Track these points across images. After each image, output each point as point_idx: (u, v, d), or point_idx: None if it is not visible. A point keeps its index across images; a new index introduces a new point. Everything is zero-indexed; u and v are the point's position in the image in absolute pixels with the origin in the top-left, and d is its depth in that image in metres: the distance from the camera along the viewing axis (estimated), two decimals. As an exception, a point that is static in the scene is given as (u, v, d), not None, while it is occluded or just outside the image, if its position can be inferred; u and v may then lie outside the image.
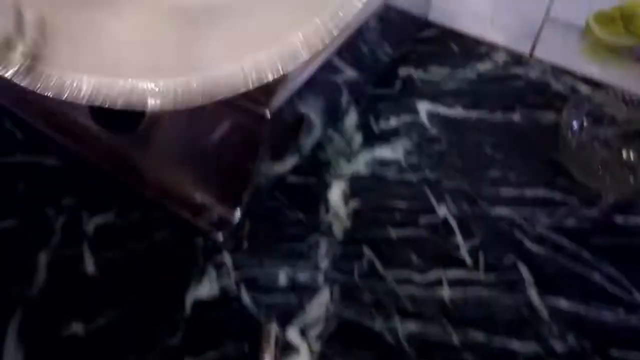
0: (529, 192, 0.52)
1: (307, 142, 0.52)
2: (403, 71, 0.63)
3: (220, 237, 0.45)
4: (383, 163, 0.55)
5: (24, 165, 0.54)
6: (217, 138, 0.44)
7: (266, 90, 0.42)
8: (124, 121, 0.46)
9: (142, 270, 0.46)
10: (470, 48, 0.66)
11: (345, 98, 0.56)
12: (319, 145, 0.55)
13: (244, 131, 0.43)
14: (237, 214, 0.45)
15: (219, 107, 0.43)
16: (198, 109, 0.44)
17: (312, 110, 0.50)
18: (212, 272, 0.46)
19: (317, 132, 0.53)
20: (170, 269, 0.46)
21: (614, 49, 0.58)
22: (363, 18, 0.50)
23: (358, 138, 0.57)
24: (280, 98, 0.42)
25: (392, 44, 0.60)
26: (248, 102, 0.42)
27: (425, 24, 0.68)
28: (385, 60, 0.61)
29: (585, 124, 0.53)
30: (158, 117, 0.46)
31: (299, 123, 0.48)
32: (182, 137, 0.46)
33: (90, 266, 0.46)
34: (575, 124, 0.53)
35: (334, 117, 0.56)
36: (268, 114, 0.41)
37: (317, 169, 0.54)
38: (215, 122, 0.44)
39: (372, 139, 0.57)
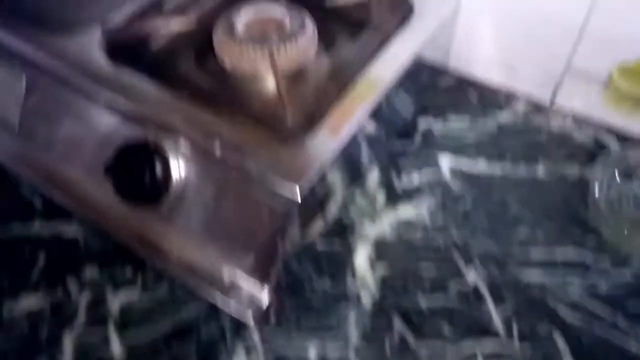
0: (559, 254, 0.51)
1: (333, 208, 0.51)
2: (422, 122, 0.63)
3: (249, 315, 0.44)
4: (408, 224, 0.54)
5: (43, 236, 0.53)
6: (245, 215, 0.44)
7: (296, 171, 0.41)
8: (147, 194, 0.45)
9: (169, 352, 0.45)
10: (488, 96, 0.65)
11: (367, 156, 0.55)
12: (342, 205, 0.54)
13: (273, 211, 0.42)
14: (266, 291, 0.44)
15: (247, 185, 0.42)
16: (225, 185, 0.44)
17: (338, 178, 0.49)
18: (240, 352, 0.45)
19: (341, 195, 0.52)
20: (198, 349, 0.45)
21: (638, 101, 0.57)
22: (396, 76, 0.49)
23: (381, 197, 0.56)
24: (310, 177, 0.41)
25: (414, 96, 0.59)
26: (277, 183, 0.41)
27: (444, 71, 0.67)
28: (407, 114, 0.60)
29: (613, 181, 0.53)
30: (183, 191, 0.45)
31: (326, 195, 0.47)
32: (208, 213, 0.45)
33: (116, 349, 0.45)
34: (603, 181, 0.52)
35: (356, 176, 0.55)
36: (298, 197, 0.40)
37: (341, 231, 0.53)
38: (242, 199, 0.44)
39: (395, 197, 0.56)
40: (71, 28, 0.51)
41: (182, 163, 0.45)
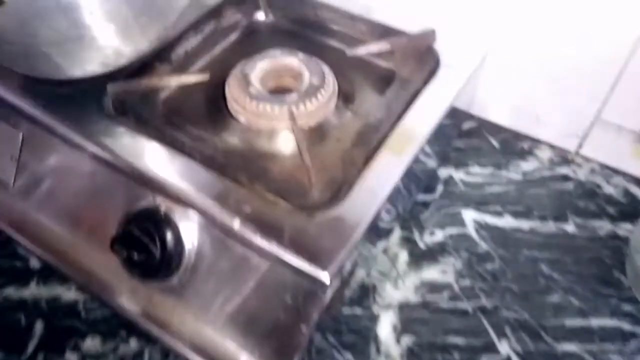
0: (595, 322, 0.48)
1: (357, 276, 0.48)
2: (443, 172, 0.59)
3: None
4: (433, 288, 0.51)
5: (40, 300, 0.49)
6: (266, 296, 0.40)
7: (325, 252, 0.37)
8: (157, 267, 0.42)
9: None
10: (511, 143, 0.62)
11: (389, 214, 0.52)
12: (363, 266, 0.51)
13: (298, 293, 0.38)
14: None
15: (268, 262, 0.39)
16: (244, 261, 0.40)
17: (363, 244, 0.45)
18: None
19: (363, 260, 0.49)
20: None
21: (671, 155, 0.54)
22: (430, 131, 0.45)
23: (403, 256, 0.53)
24: (341, 259, 0.37)
25: (439, 147, 0.55)
26: (303, 265, 0.37)
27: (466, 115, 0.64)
28: (432, 165, 0.56)
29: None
30: (196, 265, 0.42)
31: (354, 265, 0.43)
32: (224, 291, 0.41)
33: None
34: (642, 246, 0.49)
35: (378, 236, 0.52)
36: (328, 281, 0.37)
37: (363, 296, 0.50)
38: (263, 277, 0.40)
39: (418, 256, 0.53)
40: (74, 82, 0.46)
41: (195, 233, 0.42)
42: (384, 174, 0.43)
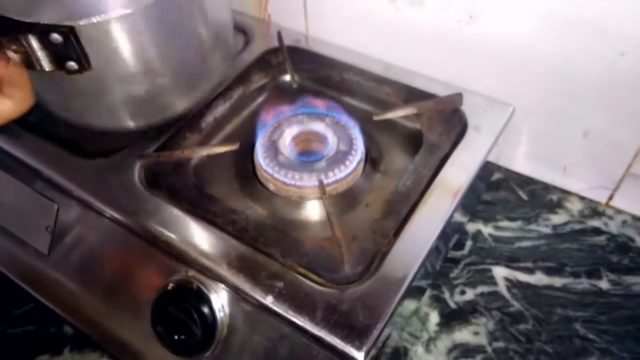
0: (634, 386, 0.47)
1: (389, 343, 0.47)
2: (472, 227, 0.59)
3: None
4: (466, 350, 0.50)
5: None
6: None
7: (359, 329, 0.37)
8: (197, 347, 0.42)
9: None
10: (540, 195, 0.62)
11: (421, 272, 0.51)
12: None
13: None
14: None
15: (302, 339, 0.39)
16: (278, 337, 0.40)
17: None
18: None
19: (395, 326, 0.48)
20: None
21: None
22: (462, 195, 0.45)
23: (434, 316, 0.52)
24: (375, 336, 0.37)
25: (468, 205, 0.55)
26: (337, 342, 0.37)
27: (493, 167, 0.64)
28: (461, 223, 0.56)
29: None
30: (229, 340, 0.42)
31: (388, 337, 0.43)
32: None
33: None
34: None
35: (409, 298, 0.51)
36: (362, 358, 0.37)
37: (393, 361, 0.49)
38: (297, 352, 0.40)
39: (449, 317, 0.52)
40: (107, 156, 0.48)
41: (227, 306, 0.42)
42: (416, 243, 0.43)
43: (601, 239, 0.58)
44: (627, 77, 0.50)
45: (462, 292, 0.54)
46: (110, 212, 0.45)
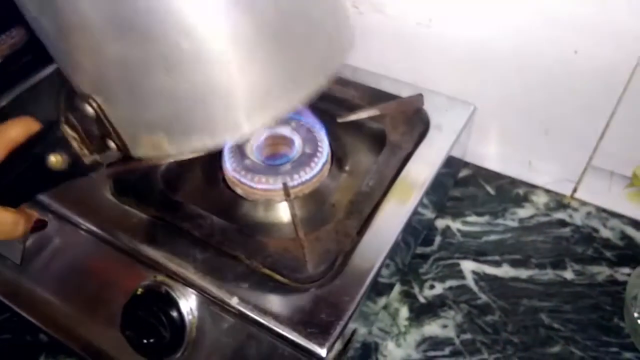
0: (598, 374, 0.49)
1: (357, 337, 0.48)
2: (441, 223, 0.60)
3: None
4: (435, 343, 0.51)
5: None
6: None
7: (322, 326, 0.38)
8: (166, 350, 0.43)
9: None
10: (506, 189, 0.63)
11: (389, 269, 0.53)
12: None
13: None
14: None
15: (267, 338, 0.40)
16: (244, 336, 0.41)
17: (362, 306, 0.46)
18: None
19: (363, 321, 0.49)
20: None
21: (665, 198, 0.55)
22: (424, 191, 0.46)
23: (404, 311, 0.54)
24: (337, 332, 0.38)
25: (436, 195, 0.56)
26: (301, 340, 0.38)
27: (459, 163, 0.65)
28: (429, 216, 0.57)
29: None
30: (198, 342, 0.43)
31: (353, 333, 0.44)
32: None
33: None
34: (638, 296, 0.49)
35: (379, 292, 0.53)
36: (325, 353, 0.38)
37: (364, 356, 0.50)
38: (263, 351, 0.41)
39: (419, 312, 0.53)
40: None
41: (195, 309, 0.43)
42: (379, 240, 0.44)
43: (566, 230, 0.59)
44: (582, 72, 0.51)
45: (432, 287, 0.55)
46: (79, 220, 0.46)
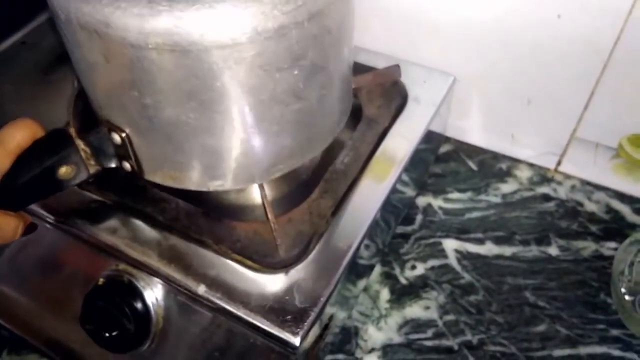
0: (584, 350, 0.47)
1: (335, 321, 0.46)
2: (422, 201, 0.58)
3: None
4: (417, 325, 0.49)
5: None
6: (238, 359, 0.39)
7: (295, 313, 0.36)
8: (131, 342, 0.40)
9: None
10: (489, 164, 0.61)
11: (368, 251, 0.50)
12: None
13: (271, 356, 0.37)
14: None
15: (237, 327, 0.37)
16: (214, 326, 0.39)
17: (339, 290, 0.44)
18: None
19: (342, 305, 0.47)
20: None
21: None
22: (403, 168, 0.44)
23: (385, 293, 0.52)
24: (311, 320, 0.36)
25: (416, 172, 0.54)
26: (274, 327, 0.36)
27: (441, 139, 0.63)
28: (409, 196, 0.55)
29: (636, 265, 0.48)
30: (166, 333, 0.40)
31: (330, 318, 0.42)
32: (196, 356, 0.40)
33: None
34: (625, 270, 0.48)
35: (358, 274, 0.50)
36: (298, 342, 0.35)
37: (344, 341, 0.48)
38: (234, 340, 0.39)
39: (400, 293, 0.51)
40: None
41: (161, 298, 0.40)
42: (355, 220, 0.42)
43: (550, 205, 0.57)
44: (566, 37, 0.49)
45: (413, 267, 0.53)
46: (35, 209, 0.43)
